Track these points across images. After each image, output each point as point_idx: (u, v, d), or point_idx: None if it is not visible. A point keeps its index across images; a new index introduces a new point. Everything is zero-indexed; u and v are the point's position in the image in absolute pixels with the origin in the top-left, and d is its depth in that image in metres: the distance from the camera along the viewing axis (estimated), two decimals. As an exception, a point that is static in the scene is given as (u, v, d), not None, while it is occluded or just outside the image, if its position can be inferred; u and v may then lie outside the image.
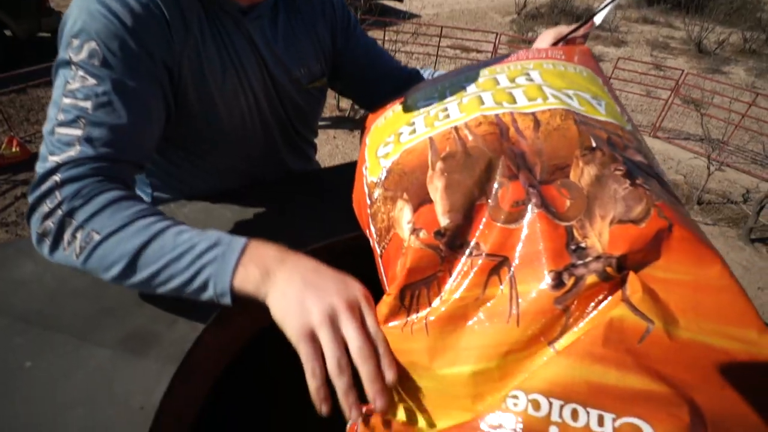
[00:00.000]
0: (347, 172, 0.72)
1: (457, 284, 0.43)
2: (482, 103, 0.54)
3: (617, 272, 0.38)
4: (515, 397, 0.36)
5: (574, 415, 0.34)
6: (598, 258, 0.39)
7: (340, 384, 0.42)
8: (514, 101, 0.53)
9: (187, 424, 0.52)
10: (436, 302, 0.44)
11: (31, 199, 0.56)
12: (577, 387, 0.35)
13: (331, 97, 4.75)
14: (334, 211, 0.75)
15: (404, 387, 0.44)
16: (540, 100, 0.53)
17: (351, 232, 0.68)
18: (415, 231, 0.46)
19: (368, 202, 0.55)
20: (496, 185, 0.46)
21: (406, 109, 0.65)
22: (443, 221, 0.45)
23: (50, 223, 0.55)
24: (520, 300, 0.40)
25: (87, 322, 0.61)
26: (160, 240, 0.52)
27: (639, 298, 0.36)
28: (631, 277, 0.38)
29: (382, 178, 0.54)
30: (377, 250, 0.53)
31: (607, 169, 0.44)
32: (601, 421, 0.34)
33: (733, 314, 0.36)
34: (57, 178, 0.55)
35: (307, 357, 0.43)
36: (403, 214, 0.49)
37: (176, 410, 0.49)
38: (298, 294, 0.47)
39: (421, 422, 0.43)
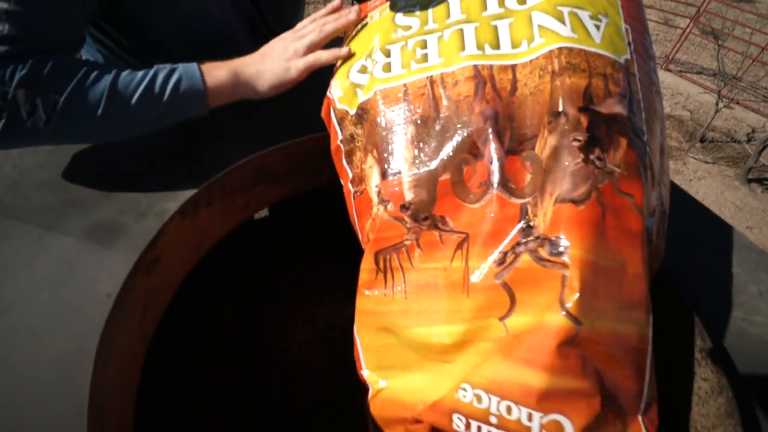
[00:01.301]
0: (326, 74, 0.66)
1: (428, 255, 0.48)
2: (463, 47, 0.51)
3: (550, 255, 0.41)
4: (464, 389, 0.42)
5: (509, 410, 0.40)
6: (536, 239, 0.42)
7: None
8: (497, 45, 0.50)
9: (153, 319, 0.51)
10: (408, 269, 0.48)
11: None
12: (511, 387, 0.39)
13: None
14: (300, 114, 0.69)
15: (380, 345, 0.49)
16: (525, 43, 0.49)
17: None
18: (383, 202, 0.49)
19: (339, 134, 0.56)
20: (462, 162, 0.48)
21: (384, 24, 0.59)
22: (408, 196, 0.48)
23: None
24: (471, 274, 0.45)
25: (51, 213, 0.59)
26: (123, 77, 0.55)
27: (575, 302, 0.38)
28: (571, 274, 0.39)
29: (354, 118, 0.54)
30: (351, 190, 0.55)
31: (565, 139, 0.44)
32: (530, 418, 0.39)
33: (637, 298, 0.41)
34: None
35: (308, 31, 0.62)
36: (373, 174, 0.51)
37: (140, 301, 0.48)
38: (269, 53, 0.62)
39: (394, 376, 0.47)
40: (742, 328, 0.57)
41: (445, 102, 0.49)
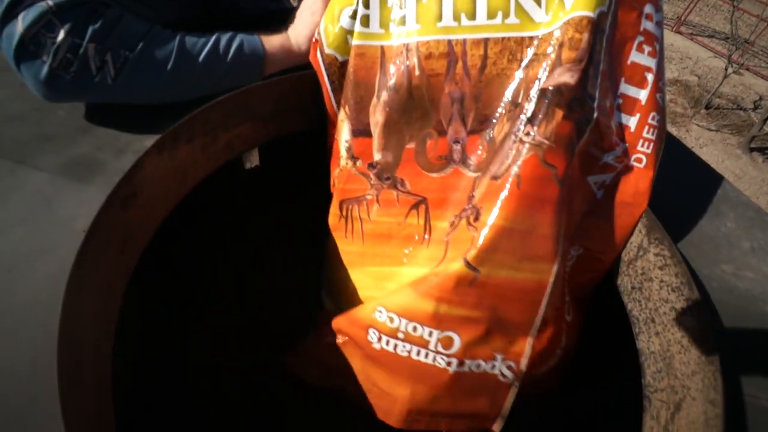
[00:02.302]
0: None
1: (384, 210, 0.58)
2: (440, 17, 0.52)
3: (473, 221, 0.50)
4: (380, 311, 0.53)
5: (414, 329, 0.52)
6: (472, 207, 0.51)
7: None
8: (473, 15, 0.51)
9: (133, 255, 0.50)
10: (365, 220, 0.59)
11: (17, 32, 0.48)
12: (418, 313, 0.51)
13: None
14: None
15: (340, 278, 0.61)
16: (500, 15, 0.50)
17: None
18: (352, 158, 0.57)
19: (326, 78, 0.58)
20: (426, 136, 0.55)
21: None
22: (377, 156, 0.56)
23: (67, 55, 0.50)
24: (433, 231, 0.56)
25: (25, 147, 0.56)
26: (189, 38, 0.56)
27: (473, 255, 0.48)
28: (478, 235, 0.48)
29: (340, 66, 0.57)
30: (331, 133, 0.60)
31: (514, 125, 0.49)
32: (430, 334, 0.52)
33: (542, 253, 0.50)
34: (47, 3, 0.48)
35: None
36: (344, 128, 0.57)
37: (117, 236, 0.47)
38: (298, 15, 0.63)
39: (353, 303, 0.58)
40: (731, 282, 0.57)
41: (417, 72, 0.52)
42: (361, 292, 0.60)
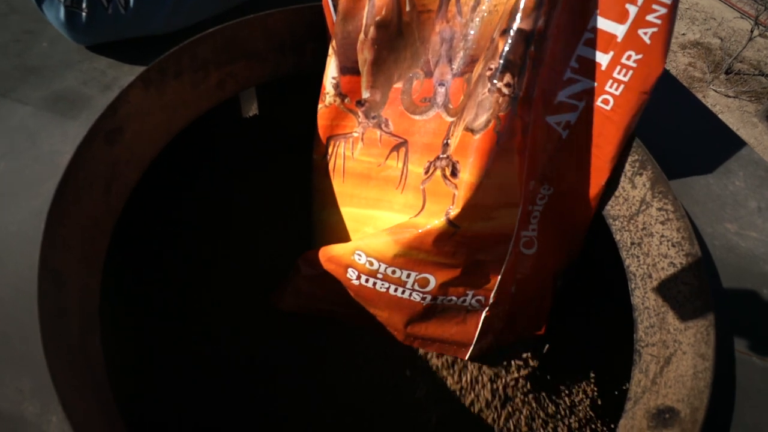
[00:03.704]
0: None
1: (366, 150, 0.58)
2: None
3: (450, 175, 0.49)
4: (359, 255, 0.54)
5: (393, 272, 0.54)
6: (447, 158, 0.50)
7: None
8: None
9: (121, 194, 0.48)
10: (349, 158, 0.58)
11: None
12: (396, 259, 0.52)
13: None
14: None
15: (321, 219, 0.63)
16: None
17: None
18: (341, 95, 0.56)
19: (333, 11, 0.55)
20: (414, 76, 0.54)
21: None
22: (365, 94, 0.56)
23: None
24: (409, 176, 0.55)
25: (7, 79, 0.54)
26: None
27: (456, 214, 0.48)
28: (459, 194, 0.48)
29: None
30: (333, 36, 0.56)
31: (485, 68, 0.47)
32: (408, 276, 0.54)
33: (510, 201, 0.51)
34: None
35: None
36: (331, 65, 0.55)
37: (102, 173, 0.45)
38: None
39: (332, 242, 0.59)
40: (734, 241, 0.55)
41: (408, 8, 0.50)
42: (340, 234, 0.61)
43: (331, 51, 0.55)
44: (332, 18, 0.55)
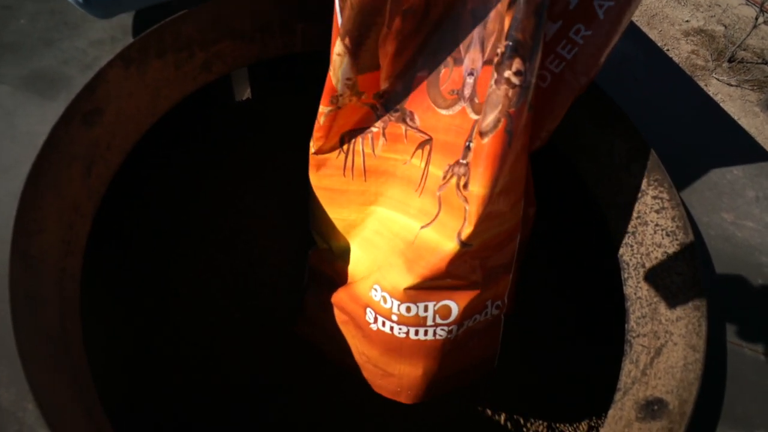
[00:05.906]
0: None
1: (390, 146, 0.51)
2: None
3: (463, 186, 0.44)
4: (376, 289, 0.50)
5: (408, 309, 0.49)
6: (466, 166, 0.44)
7: None
8: None
9: (102, 177, 0.47)
10: (370, 154, 0.52)
11: None
12: (410, 293, 0.48)
13: None
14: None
15: (337, 219, 0.57)
16: None
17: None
18: (357, 94, 0.48)
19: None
20: (442, 64, 0.47)
21: None
22: (384, 85, 0.49)
23: None
24: (429, 178, 0.49)
25: (-18, 56, 0.52)
26: None
27: (468, 234, 0.44)
28: (470, 209, 0.43)
29: None
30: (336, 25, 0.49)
31: (493, 53, 0.42)
32: (425, 309, 0.49)
33: (514, 201, 0.47)
34: None
35: None
36: (344, 64, 0.46)
37: (81, 154, 0.44)
38: None
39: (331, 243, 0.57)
40: (730, 231, 0.54)
41: None
42: (370, 238, 0.56)
43: (342, 49, 0.46)
44: (338, 20, 0.49)
